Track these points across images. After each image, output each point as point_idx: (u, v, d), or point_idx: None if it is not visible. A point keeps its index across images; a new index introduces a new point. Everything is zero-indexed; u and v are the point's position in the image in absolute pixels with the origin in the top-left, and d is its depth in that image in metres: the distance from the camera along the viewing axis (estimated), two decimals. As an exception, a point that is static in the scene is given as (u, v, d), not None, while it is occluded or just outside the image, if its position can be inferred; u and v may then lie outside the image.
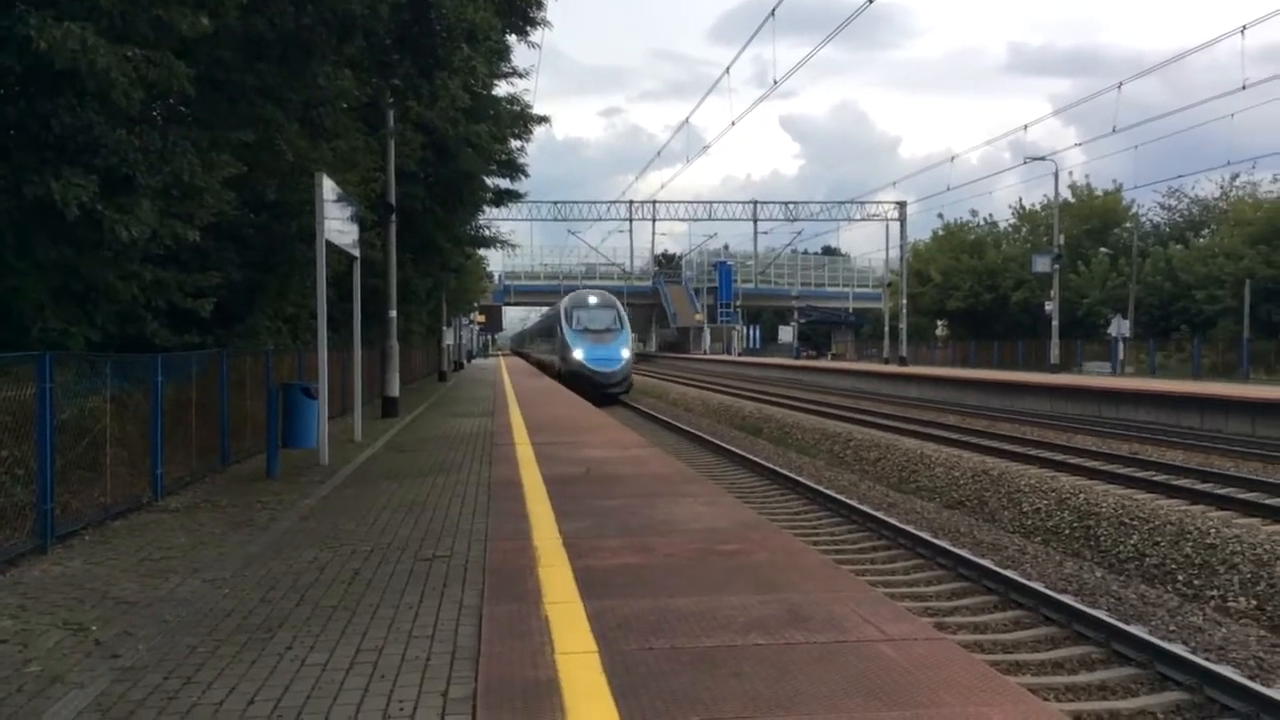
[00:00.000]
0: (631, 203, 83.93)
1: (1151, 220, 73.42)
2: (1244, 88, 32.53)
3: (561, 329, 41.30)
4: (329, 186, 13.99)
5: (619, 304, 43.47)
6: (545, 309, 69.80)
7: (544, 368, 52.23)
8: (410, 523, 9.45)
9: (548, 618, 5.88)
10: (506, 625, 5.79)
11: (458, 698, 4.80)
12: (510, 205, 39.28)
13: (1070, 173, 74.91)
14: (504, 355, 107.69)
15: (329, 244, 14.13)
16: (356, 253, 16.83)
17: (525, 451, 14.61)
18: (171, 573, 7.64)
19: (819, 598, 6.26)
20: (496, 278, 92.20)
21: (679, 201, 79.89)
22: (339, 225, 14.97)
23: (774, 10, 27.43)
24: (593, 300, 42.89)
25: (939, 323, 76.19)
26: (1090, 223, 67.68)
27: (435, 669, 5.23)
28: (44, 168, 9.37)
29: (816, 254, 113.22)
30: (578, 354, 38.53)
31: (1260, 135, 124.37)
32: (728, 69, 43.34)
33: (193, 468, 12.23)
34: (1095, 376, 42.93)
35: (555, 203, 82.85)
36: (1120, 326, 51.51)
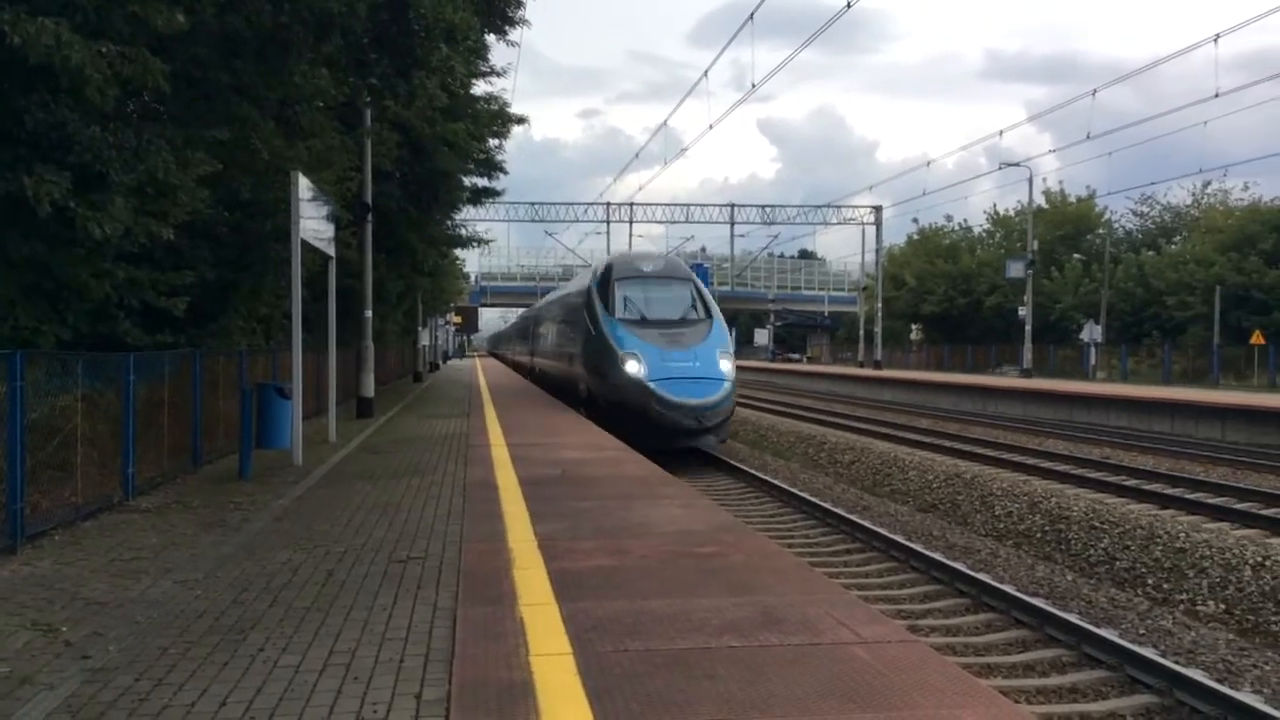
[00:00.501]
0: (609, 204, 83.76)
1: (1124, 227, 74.29)
2: (1216, 95, 32.82)
3: (594, 319, 21.63)
4: (304, 185, 13.93)
5: (694, 276, 23.56)
6: (549, 292, 46.62)
7: (549, 383, 31.42)
8: (384, 524, 9.41)
9: (523, 619, 5.87)
10: (481, 627, 5.78)
11: (432, 699, 4.79)
12: (487, 205, 38.82)
13: (1044, 179, 75.73)
14: (480, 356, 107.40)
15: (304, 243, 14.07)
16: (332, 252, 16.75)
17: (500, 453, 14.58)
18: (143, 573, 7.58)
19: (793, 600, 6.28)
20: (473, 278, 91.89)
21: (656, 204, 79.88)
22: (314, 224, 14.91)
23: (753, 14, 27.49)
24: (649, 268, 22.70)
25: (913, 326, 76.66)
26: (1064, 229, 68.28)
27: (409, 671, 5.22)
28: (16, 164, 9.29)
29: (793, 257, 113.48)
30: (633, 368, 19.57)
31: (1232, 143, 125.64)
32: (706, 72, 43.72)
33: (164, 468, 12.13)
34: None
35: (532, 204, 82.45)
36: (1092, 332, 52.00)
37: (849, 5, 22.27)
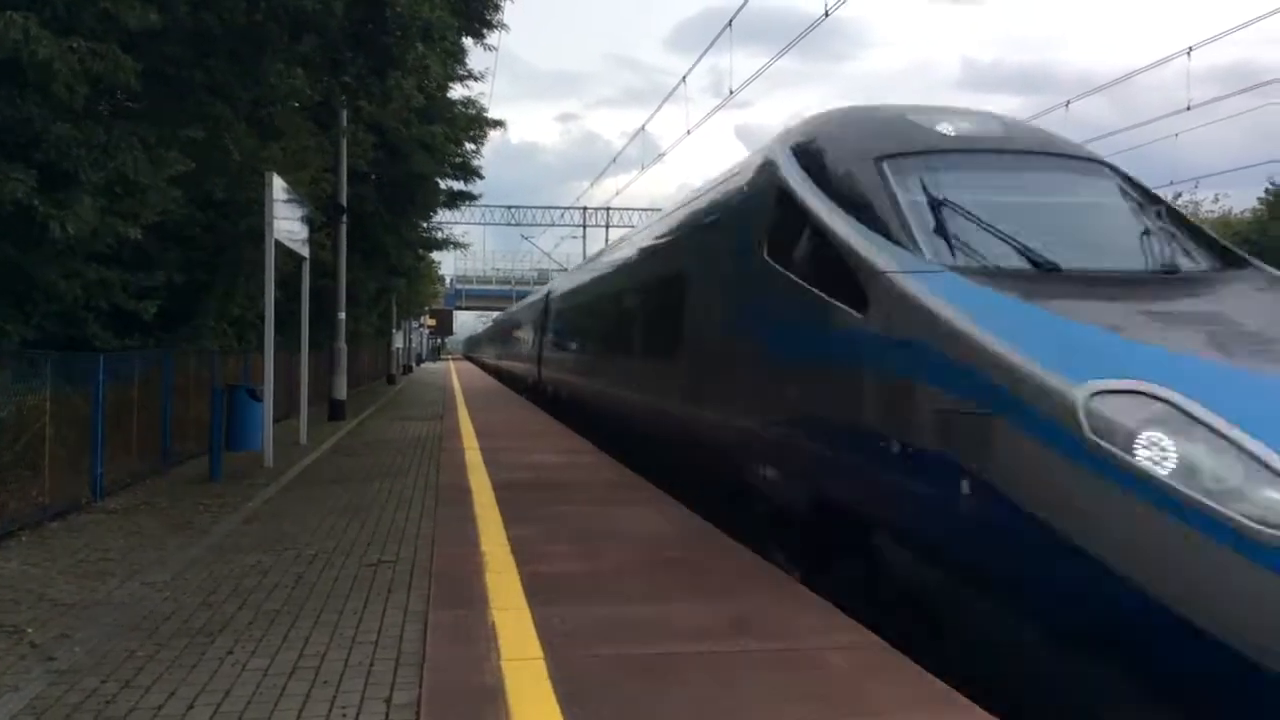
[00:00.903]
0: (586, 209, 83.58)
1: (1096, 236, 74.78)
2: (1189, 108, 33.06)
3: (858, 277, 6.62)
4: (279, 186, 13.85)
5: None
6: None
7: (609, 433, 15.59)
8: (356, 527, 9.35)
9: (494, 624, 5.84)
10: (452, 631, 5.74)
11: (402, 704, 4.75)
12: (463, 208, 38.74)
13: (1018, 188, 75.91)
14: (454, 360, 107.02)
15: (278, 244, 13.98)
16: (306, 253, 16.67)
17: (474, 456, 14.52)
18: (110, 575, 7.50)
19: (767, 605, 6.26)
20: (448, 281, 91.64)
21: (633, 209, 79.64)
22: (288, 225, 14.82)
23: (730, 21, 27.57)
24: (978, 129, 7.79)
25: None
26: (1036, 238, 68.69)
27: (379, 675, 5.17)
28: (-19, 161, 9.16)
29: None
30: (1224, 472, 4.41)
31: (1203, 155, 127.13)
32: (684, 78, 44.45)
33: (134, 469, 12.01)
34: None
35: (509, 207, 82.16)
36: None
37: (826, 14, 22.38)
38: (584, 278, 21.31)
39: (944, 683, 4.89)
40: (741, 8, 24.06)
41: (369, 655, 5.49)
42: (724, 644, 5.47)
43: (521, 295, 57.49)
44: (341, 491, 11.55)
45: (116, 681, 5.07)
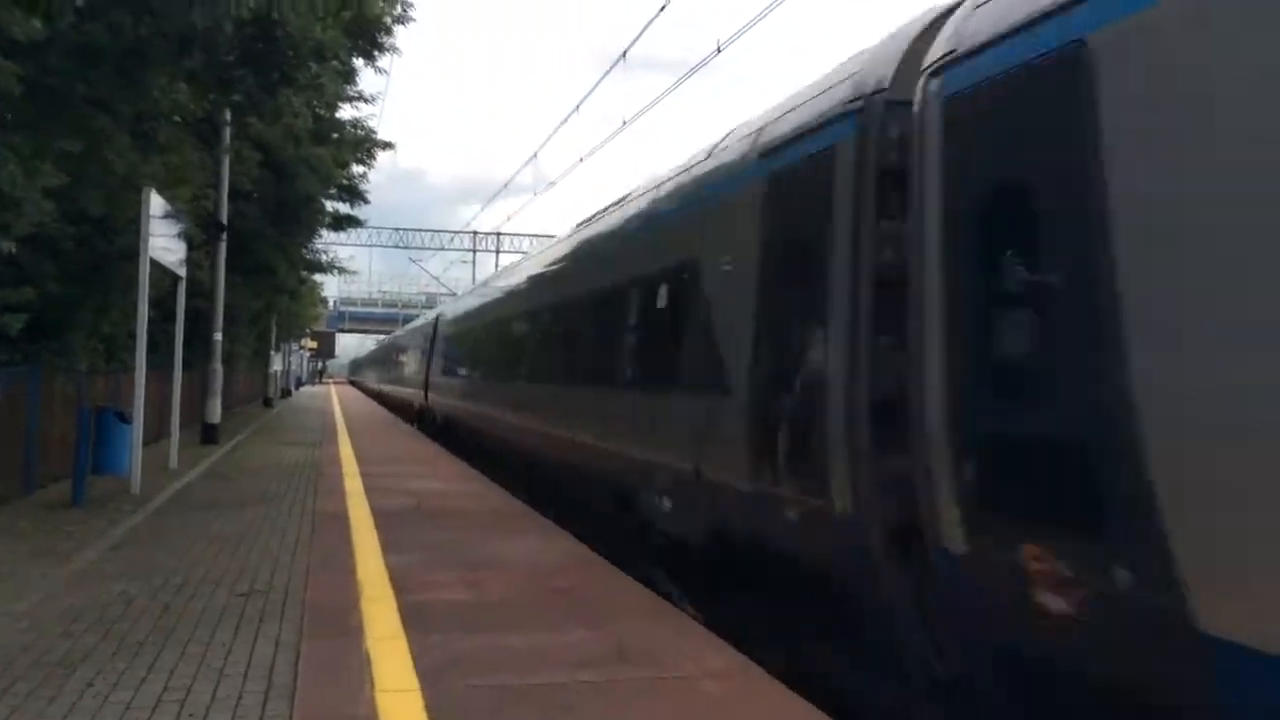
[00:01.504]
0: (476, 233, 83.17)
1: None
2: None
3: None
4: (157, 203, 13.53)
5: None
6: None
7: None
8: (227, 555, 9.11)
9: (369, 655, 5.77)
10: (325, 663, 5.66)
11: (272, 737, 4.67)
12: (350, 230, 38.12)
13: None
14: (336, 384, 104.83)
15: (153, 262, 13.62)
16: (182, 272, 16.24)
17: (354, 483, 14.29)
18: (-37, 603, 7.18)
19: (646, 632, 6.33)
20: (331, 303, 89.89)
21: (524, 235, 79.41)
22: (165, 243, 14.46)
23: (625, 53, 27.92)
24: None
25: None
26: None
27: (247, 708, 5.06)
28: None
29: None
30: None
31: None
32: (578, 106, 44.37)
33: (-8, 491, 11.50)
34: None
35: (397, 229, 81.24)
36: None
37: (719, 50, 22.82)
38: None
39: (807, 702, 5.01)
40: (635, 40, 24.41)
41: (237, 687, 5.36)
42: (603, 673, 5.51)
43: (409, 319, 56.15)
44: (213, 518, 11.25)
45: (-33, 715, 4.87)
